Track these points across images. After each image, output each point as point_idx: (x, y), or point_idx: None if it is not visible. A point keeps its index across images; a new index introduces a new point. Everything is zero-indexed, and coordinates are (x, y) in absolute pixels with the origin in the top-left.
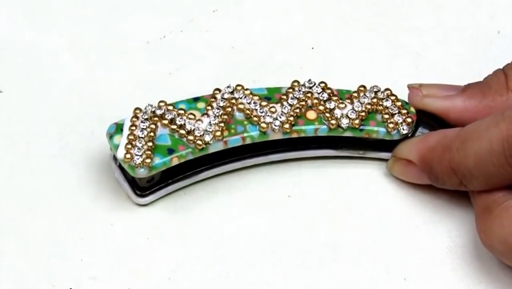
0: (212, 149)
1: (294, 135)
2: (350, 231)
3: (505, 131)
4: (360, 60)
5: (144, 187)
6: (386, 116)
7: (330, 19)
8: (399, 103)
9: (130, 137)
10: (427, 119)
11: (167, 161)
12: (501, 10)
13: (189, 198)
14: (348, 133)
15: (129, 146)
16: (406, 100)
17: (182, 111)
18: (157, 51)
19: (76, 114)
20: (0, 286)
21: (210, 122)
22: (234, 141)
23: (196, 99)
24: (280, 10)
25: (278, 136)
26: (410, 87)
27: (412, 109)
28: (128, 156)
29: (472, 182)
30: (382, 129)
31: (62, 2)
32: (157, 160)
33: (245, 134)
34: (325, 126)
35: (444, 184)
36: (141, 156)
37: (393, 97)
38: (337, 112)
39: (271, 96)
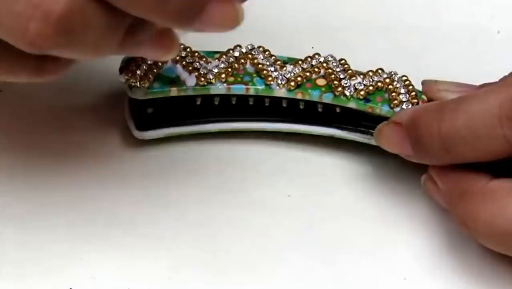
0: (214, 91)
1: (299, 96)
2: (350, 231)
3: (503, 94)
4: (360, 60)
5: (146, 124)
6: (394, 94)
7: (330, 19)
8: (411, 87)
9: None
10: None
11: (166, 90)
12: (501, 10)
13: (190, 197)
14: (352, 104)
15: (134, 68)
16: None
17: (196, 53)
18: None
19: (76, 114)
20: (0, 286)
21: (217, 65)
22: (237, 89)
23: (216, 52)
24: (280, 9)
25: (283, 93)
26: (425, 82)
27: (424, 96)
28: (130, 74)
29: (458, 146)
30: (386, 107)
31: None
32: (157, 86)
33: (250, 86)
34: (330, 93)
35: (425, 150)
36: (141, 77)
37: (407, 82)
38: (345, 82)
39: (289, 62)
